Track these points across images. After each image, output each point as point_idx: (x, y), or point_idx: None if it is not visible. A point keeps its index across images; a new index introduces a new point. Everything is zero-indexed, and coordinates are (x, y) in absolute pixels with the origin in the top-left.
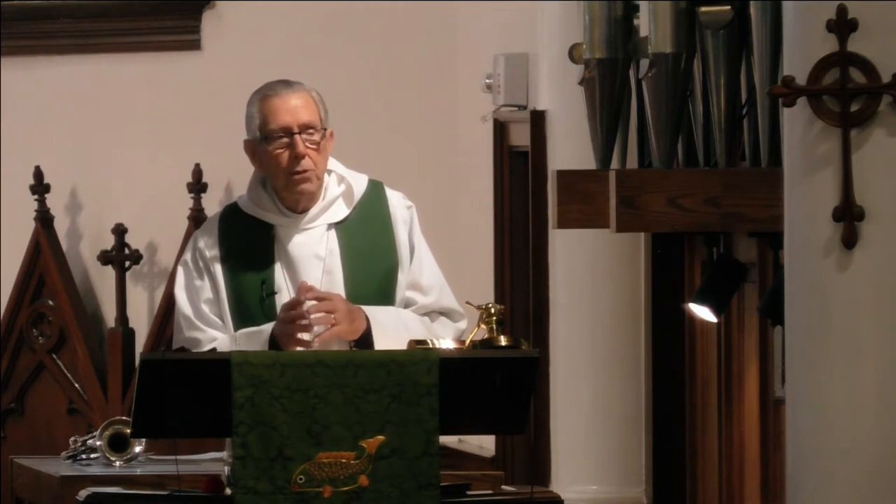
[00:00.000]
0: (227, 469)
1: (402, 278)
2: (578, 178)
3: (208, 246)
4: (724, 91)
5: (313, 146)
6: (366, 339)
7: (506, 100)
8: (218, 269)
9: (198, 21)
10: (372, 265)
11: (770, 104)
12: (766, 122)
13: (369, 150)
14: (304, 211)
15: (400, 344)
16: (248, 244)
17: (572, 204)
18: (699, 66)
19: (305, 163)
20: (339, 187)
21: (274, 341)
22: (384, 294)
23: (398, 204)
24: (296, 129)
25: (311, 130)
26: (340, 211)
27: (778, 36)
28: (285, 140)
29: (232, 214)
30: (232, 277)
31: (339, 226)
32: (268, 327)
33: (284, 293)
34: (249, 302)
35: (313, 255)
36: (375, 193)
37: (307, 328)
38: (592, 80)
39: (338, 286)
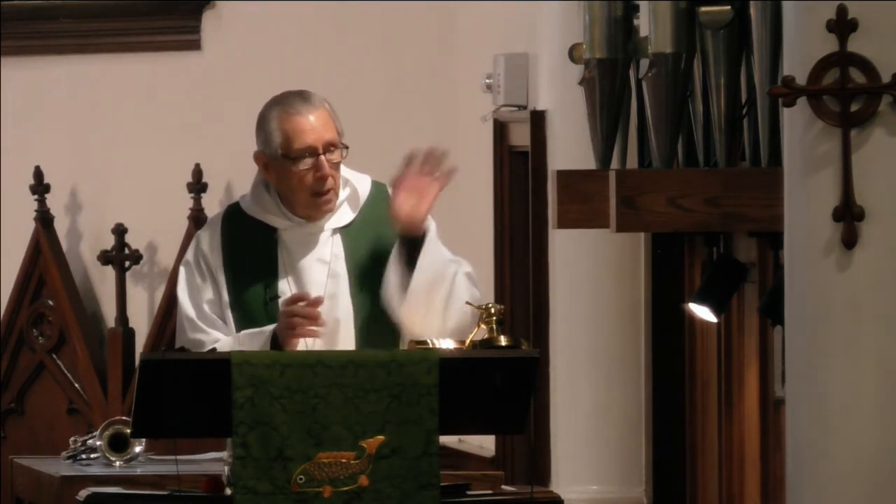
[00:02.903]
0: (227, 469)
1: None
2: (578, 178)
3: (211, 247)
4: (724, 91)
5: (336, 164)
6: (417, 242)
7: (506, 100)
8: (221, 271)
9: (198, 21)
10: (377, 269)
11: (770, 104)
12: (766, 122)
13: (369, 150)
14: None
15: (436, 266)
16: (251, 247)
17: (572, 204)
18: (699, 66)
19: (329, 182)
20: (343, 191)
21: (275, 341)
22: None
23: None
24: (320, 150)
25: (332, 148)
26: (346, 216)
27: (778, 36)
28: (310, 160)
29: (235, 215)
30: (235, 280)
31: (343, 229)
32: (270, 327)
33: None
34: (252, 305)
35: (317, 259)
36: (379, 196)
37: (312, 332)
38: (592, 80)
39: (343, 290)
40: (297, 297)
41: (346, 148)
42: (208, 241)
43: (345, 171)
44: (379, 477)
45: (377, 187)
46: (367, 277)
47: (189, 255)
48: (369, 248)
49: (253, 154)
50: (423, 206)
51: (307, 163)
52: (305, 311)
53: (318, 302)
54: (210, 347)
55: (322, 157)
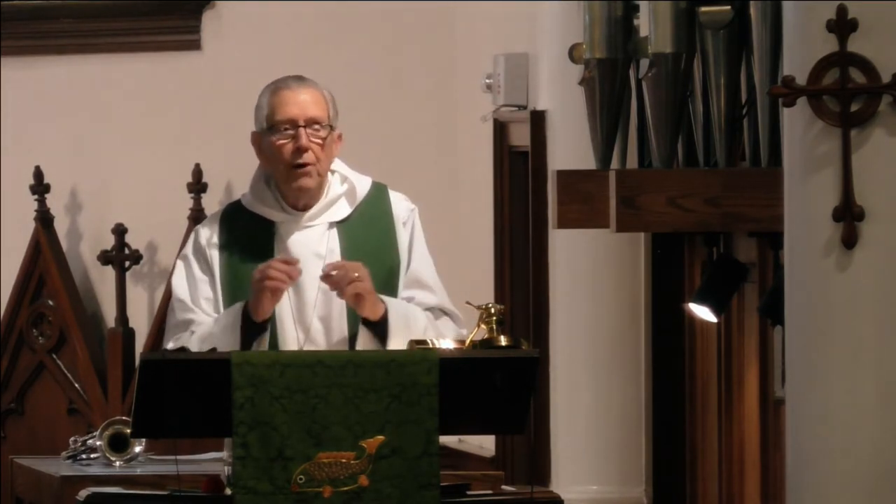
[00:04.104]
0: (227, 469)
1: (402, 279)
2: (578, 178)
3: (208, 240)
4: (724, 91)
5: (318, 141)
6: (383, 324)
7: (506, 100)
8: (217, 263)
9: (198, 21)
10: (373, 265)
11: (770, 104)
12: (766, 122)
13: (369, 150)
14: (306, 208)
15: (410, 334)
16: (248, 240)
17: (572, 204)
18: (699, 66)
19: (307, 156)
20: (341, 186)
21: (246, 312)
22: (386, 293)
23: (401, 206)
24: (301, 122)
25: (316, 126)
26: (342, 209)
27: (778, 36)
28: (290, 132)
29: (234, 211)
30: (230, 273)
31: (340, 225)
32: (242, 302)
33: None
34: (246, 297)
35: (313, 253)
36: (378, 194)
37: (279, 287)
38: (592, 80)
39: None
40: (283, 260)
41: (332, 130)
42: (206, 234)
43: (345, 170)
44: (379, 477)
45: (377, 187)
46: None
47: (187, 248)
48: (366, 244)
49: (250, 136)
50: (359, 297)
51: (287, 134)
52: (284, 268)
53: (298, 269)
54: (197, 325)
55: (301, 129)
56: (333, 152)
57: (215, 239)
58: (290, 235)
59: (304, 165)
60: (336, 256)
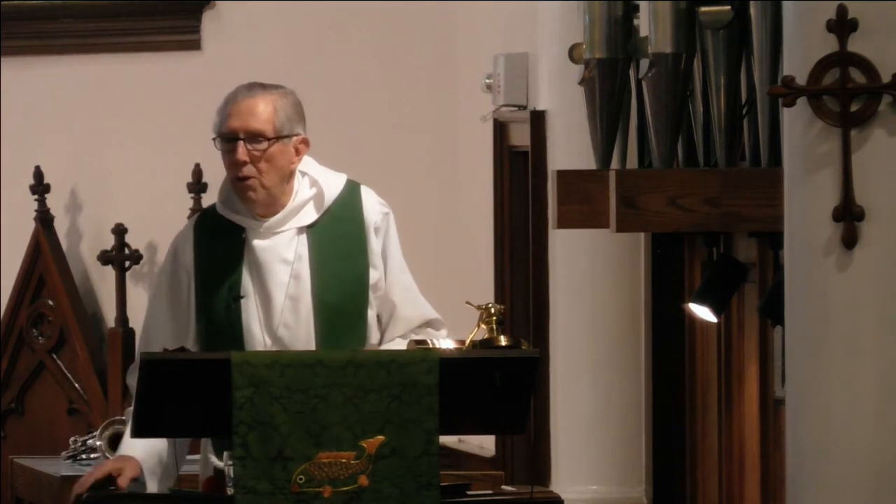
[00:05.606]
0: (228, 470)
1: (374, 282)
2: (578, 178)
3: (182, 254)
4: (724, 91)
5: (257, 154)
6: None
7: (506, 100)
8: (191, 275)
9: (198, 21)
10: (341, 269)
11: (770, 104)
12: (766, 122)
13: (369, 150)
14: (268, 216)
15: None
16: (221, 248)
17: (572, 204)
18: (699, 66)
19: (246, 170)
20: (310, 190)
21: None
22: (354, 299)
23: (373, 209)
24: (241, 136)
25: (259, 139)
26: (309, 215)
27: (778, 36)
28: (230, 144)
29: (208, 218)
30: (203, 283)
31: (310, 229)
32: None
33: (251, 298)
34: (217, 307)
35: (280, 259)
36: (351, 195)
37: None
38: (592, 80)
39: (305, 292)
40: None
41: (281, 140)
42: (180, 248)
43: (317, 171)
44: (379, 477)
45: (350, 187)
46: (331, 277)
47: (166, 265)
48: (335, 248)
49: None
50: None
51: (229, 147)
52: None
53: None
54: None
55: (238, 143)
56: (288, 161)
57: (190, 251)
58: (259, 242)
59: (243, 179)
60: (304, 262)
